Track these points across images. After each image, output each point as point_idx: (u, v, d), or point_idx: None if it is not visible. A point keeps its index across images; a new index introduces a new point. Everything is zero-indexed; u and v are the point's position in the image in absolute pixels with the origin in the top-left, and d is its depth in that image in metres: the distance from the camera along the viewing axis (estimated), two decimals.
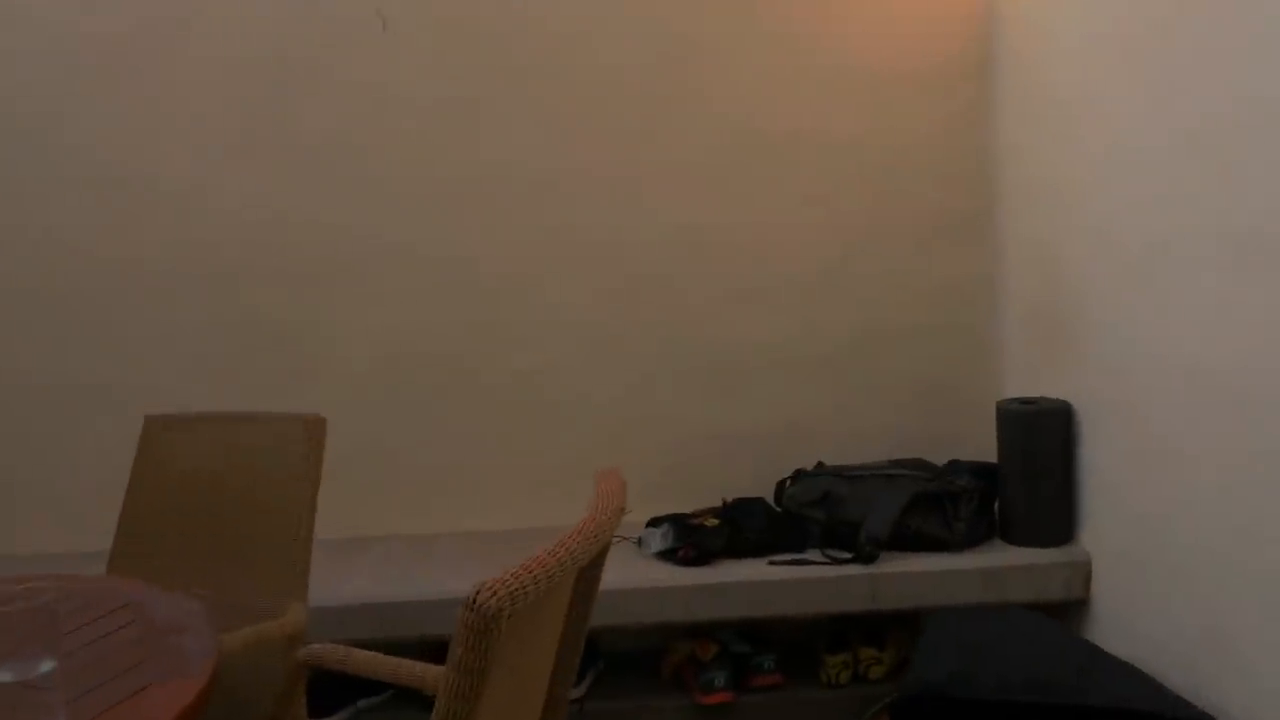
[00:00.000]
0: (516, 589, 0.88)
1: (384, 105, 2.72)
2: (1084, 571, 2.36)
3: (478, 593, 0.86)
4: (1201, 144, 1.93)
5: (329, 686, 1.97)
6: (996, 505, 2.54)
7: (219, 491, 1.82)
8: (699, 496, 2.68)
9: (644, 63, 2.74)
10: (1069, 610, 2.42)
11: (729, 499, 2.62)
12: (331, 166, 2.73)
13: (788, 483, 2.66)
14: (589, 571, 1.28)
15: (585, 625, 1.32)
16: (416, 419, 2.78)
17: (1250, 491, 1.81)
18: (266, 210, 2.73)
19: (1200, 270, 1.93)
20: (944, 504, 2.47)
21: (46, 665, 1.26)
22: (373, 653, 1.45)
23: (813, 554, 2.44)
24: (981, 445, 2.62)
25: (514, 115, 2.73)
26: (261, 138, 2.71)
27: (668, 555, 2.44)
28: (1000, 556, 2.42)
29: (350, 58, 2.70)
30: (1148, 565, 2.15)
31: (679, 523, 2.47)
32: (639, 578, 2.38)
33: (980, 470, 2.55)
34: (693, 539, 2.43)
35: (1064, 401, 2.44)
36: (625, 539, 2.57)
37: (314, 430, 1.84)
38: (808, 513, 2.51)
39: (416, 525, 2.74)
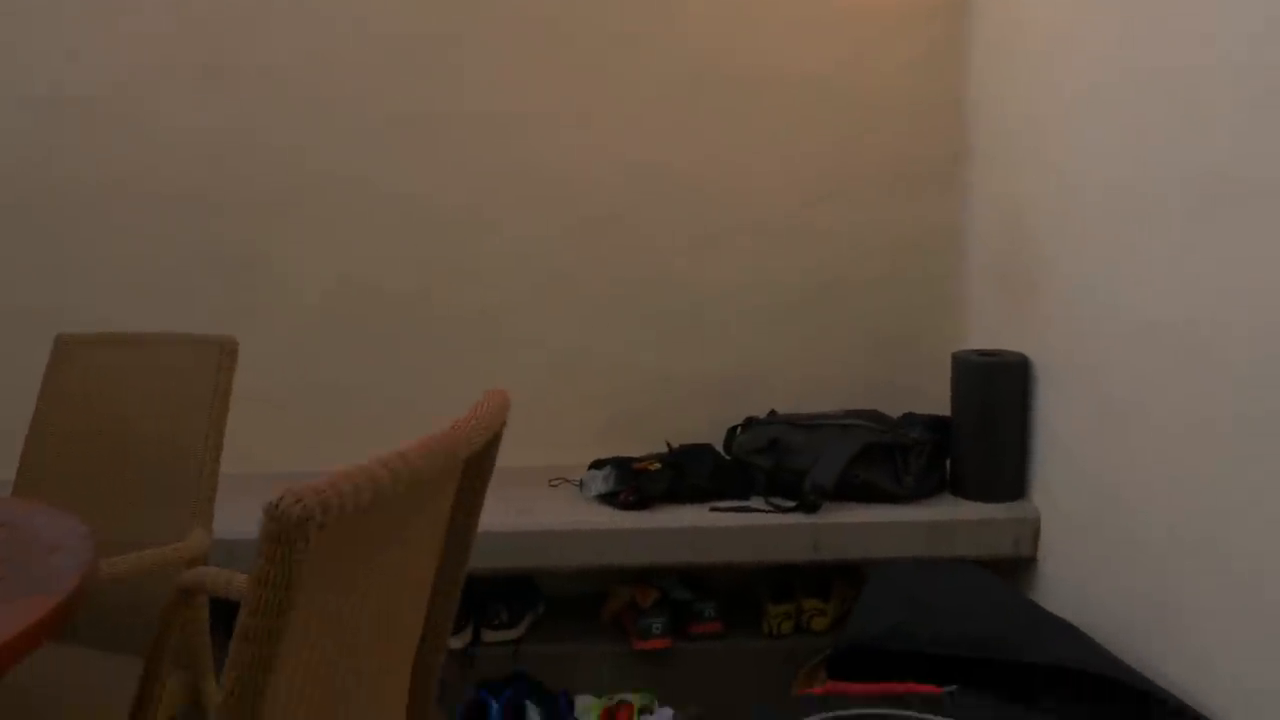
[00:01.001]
0: (330, 498, 0.82)
1: (339, 36, 2.63)
2: (1032, 529, 2.31)
3: (280, 498, 0.80)
4: (1168, 86, 1.83)
5: None
6: (949, 460, 2.48)
7: (125, 414, 1.77)
8: (651, 442, 2.62)
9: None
10: (1017, 567, 2.37)
11: (674, 444, 2.56)
12: (286, 95, 2.64)
13: (738, 430, 2.60)
14: (466, 497, 1.22)
15: (468, 547, 1.26)
16: (367, 354, 2.72)
17: (1198, 458, 1.75)
18: (219, 135, 2.65)
19: (1163, 220, 1.85)
20: (895, 456, 2.41)
21: None
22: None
23: (757, 502, 2.38)
24: (942, 398, 2.54)
25: (471, 50, 2.64)
26: (214, 62, 2.62)
27: (609, 498, 2.39)
28: (948, 510, 2.36)
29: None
30: (1095, 526, 2.09)
31: (622, 466, 2.42)
32: (579, 520, 2.34)
33: (934, 423, 2.49)
34: (635, 482, 2.37)
35: (1022, 355, 2.37)
36: (567, 481, 2.52)
37: (227, 354, 1.78)
38: (755, 460, 2.46)
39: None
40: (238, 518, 2.10)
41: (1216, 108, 1.70)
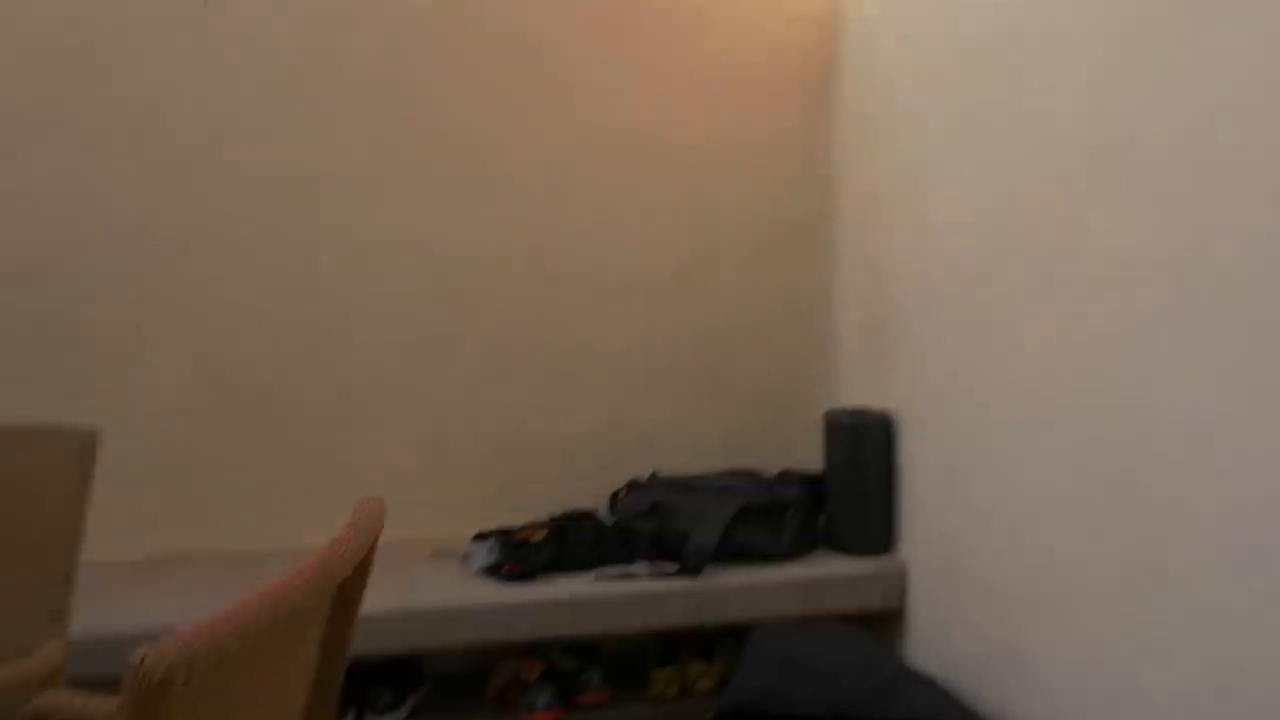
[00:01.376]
0: (197, 652, 0.80)
1: (200, 91, 2.55)
2: (899, 583, 2.40)
3: (143, 658, 0.77)
4: (1013, 158, 1.97)
5: None
6: (824, 517, 2.56)
7: None
8: (535, 509, 2.63)
9: (486, 61, 2.65)
10: (888, 620, 2.46)
11: (559, 511, 2.57)
12: (139, 153, 2.52)
13: (621, 494, 2.63)
14: (341, 609, 1.20)
15: (341, 662, 1.24)
16: (236, 429, 2.63)
17: (1040, 512, 1.86)
18: (68, 196, 2.51)
19: (1009, 285, 1.98)
20: (772, 516, 2.47)
21: None
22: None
23: (641, 566, 2.41)
24: (819, 455, 2.64)
25: (343, 110, 2.61)
26: (63, 115, 2.49)
27: (493, 571, 2.37)
28: (822, 567, 2.44)
29: (164, 35, 2.52)
30: (955, 579, 2.19)
31: (504, 537, 2.41)
32: (463, 596, 2.30)
33: (809, 481, 2.57)
34: (518, 554, 2.37)
35: (886, 413, 2.47)
36: (449, 554, 2.49)
37: (86, 448, 1.70)
38: (637, 525, 2.48)
39: (240, 542, 2.59)
40: (91, 613, 2.00)
41: (1056, 184, 1.83)
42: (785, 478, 2.62)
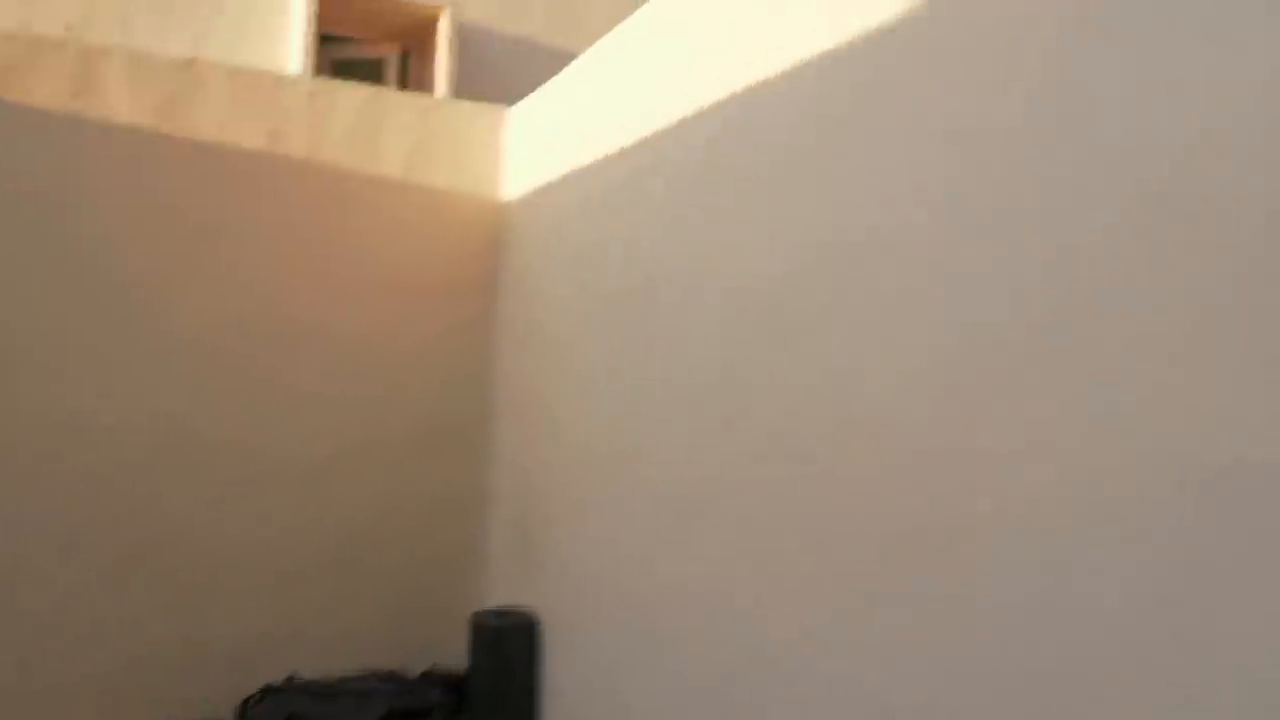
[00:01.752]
0: None
1: None
2: None
3: None
4: (649, 391, 2.19)
5: None
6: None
7: None
8: (163, 715, 2.42)
9: (141, 244, 2.57)
10: None
11: None
12: None
13: (253, 701, 2.49)
14: None
15: None
16: None
17: (686, 717, 1.99)
18: None
19: (641, 509, 2.16)
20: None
21: None
22: None
23: None
24: (465, 653, 2.66)
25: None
26: None
27: None
28: None
29: None
30: None
31: None
32: None
33: (453, 683, 2.58)
34: None
35: (532, 614, 2.56)
36: None
37: None
38: None
39: None
40: None
41: (680, 418, 2.06)
42: (430, 678, 2.61)
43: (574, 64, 2.60)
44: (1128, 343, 1.16)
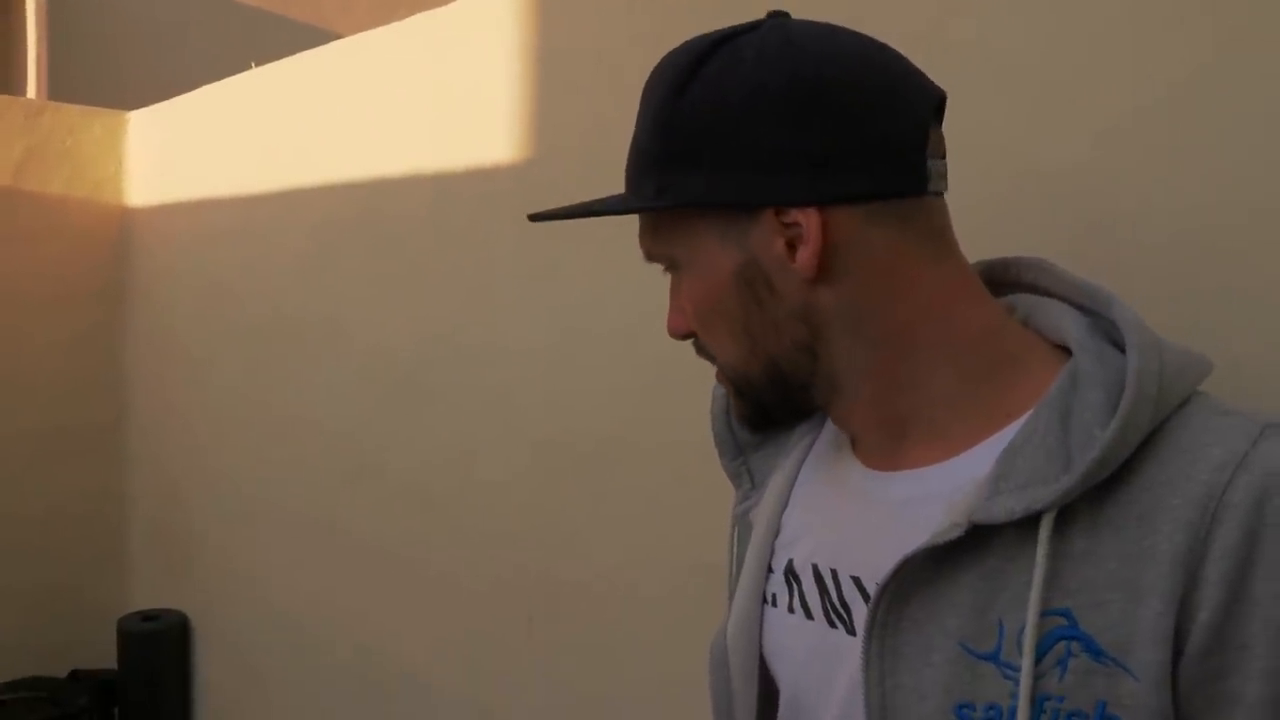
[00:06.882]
0: None
1: None
2: None
3: None
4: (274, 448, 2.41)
5: None
6: None
7: None
8: None
9: None
10: None
11: None
12: None
13: None
14: None
15: None
16: None
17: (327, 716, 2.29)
18: None
19: (282, 521, 2.39)
20: None
21: None
22: None
23: None
24: (111, 652, 2.75)
25: None
26: None
27: None
28: None
29: None
30: None
31: None
32: None
33: (102, 685, 2.69)
34: None
35: (184, 616, 2.72)
36: None
37: None
38: None
39: None
40: None
41: (318, 457, 2.30)
42: (76, 682, 2.69)
43: (214, 88, 2.61)
44: None
